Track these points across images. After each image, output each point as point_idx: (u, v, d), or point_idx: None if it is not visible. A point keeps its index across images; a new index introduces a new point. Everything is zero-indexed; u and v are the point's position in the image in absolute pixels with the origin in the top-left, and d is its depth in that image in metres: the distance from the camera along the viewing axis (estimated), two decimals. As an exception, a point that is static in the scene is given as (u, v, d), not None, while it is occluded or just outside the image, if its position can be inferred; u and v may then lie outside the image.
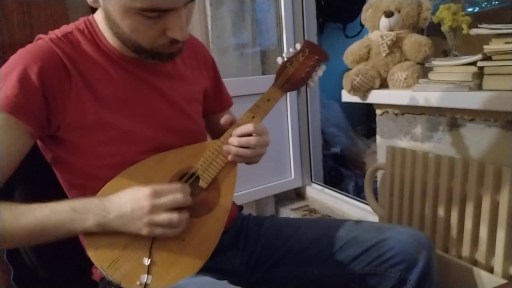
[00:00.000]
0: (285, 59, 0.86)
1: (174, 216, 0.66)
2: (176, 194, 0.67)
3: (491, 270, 1.02)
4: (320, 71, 0.88)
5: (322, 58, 0.87)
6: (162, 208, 0.66)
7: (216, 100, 0.97)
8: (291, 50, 0.87)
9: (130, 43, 0.71)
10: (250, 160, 0.80)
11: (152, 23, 0.66)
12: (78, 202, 0.67)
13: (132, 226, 0.66)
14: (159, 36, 0.69)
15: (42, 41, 0.73)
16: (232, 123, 0.81)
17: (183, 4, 0.66)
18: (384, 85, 1.31)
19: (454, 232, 1.10)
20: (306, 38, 2.00)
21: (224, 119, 0.81)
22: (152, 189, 0.66)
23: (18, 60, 0.69)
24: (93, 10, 0.75)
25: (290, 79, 0.85)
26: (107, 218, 0.66)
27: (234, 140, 0.78)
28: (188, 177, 0.76)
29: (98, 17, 0.76)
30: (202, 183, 0.76)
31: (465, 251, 1.07)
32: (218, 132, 0.91)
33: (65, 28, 0.76)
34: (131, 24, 0.67)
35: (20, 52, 0.71)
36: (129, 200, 0.66)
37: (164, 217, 0.66)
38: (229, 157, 0.78)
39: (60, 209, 0.66)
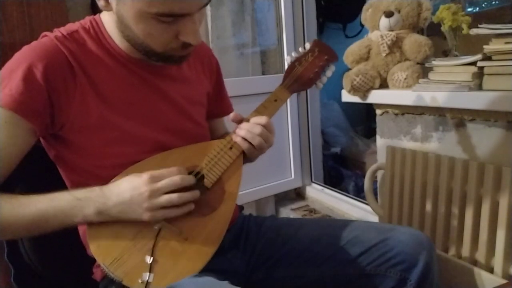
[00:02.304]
0: (294, 58, 0.84)
1: (173, 196, 0.66)
2: (173, 176, 0.68)
3: (491, 270, 1.02)
4: (329, 72, 0.86)
5: (332, 58, 0.85)
6: (161, 191, 0.66)
7: (216, 103, 0.96)
8: (300, 49, 0.85)
9: (142, 47, 0.71)
10: (252, 151, 0.79)
11: (166, 27, 0.66)
12: (79, 191, 0.68)
13: (132, 212, 0.67)
14: (172, 40, 0.69)
15: (47, 38, 0.72)
16: (241, 121, 0.80)
17: (198, 8, 0.66)
18: (384, 85, 1.31)
19: (454, 232, 1.10)
20: (306, 38, 1.99)
21: (233, 115, 0.80)
22: (150, 175, 0.67)
23: (23, 57, 0.69)
24: (94, 10, 0.75)
25: (298, 79, 0.84)
26: (107, 205, 0.66)
27: (241, 125, 0.79)
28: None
29: (105, 18, 0.75)
30: (207, 183, 0.76)
31: (465, 251, 1.07)
32: (214, 137, 0.92)
33: (70, 27, 0.76)
34: (145, 28, 0.67)
35: (25, 49, 0.71)
36: (128, 187, 0.67)
37: (163, 199, 0.66)
38: (234, 137, 0.78)
39: (60, 197, 0.67)
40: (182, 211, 0.69)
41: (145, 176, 0.67)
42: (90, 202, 0.66)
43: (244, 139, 0.78)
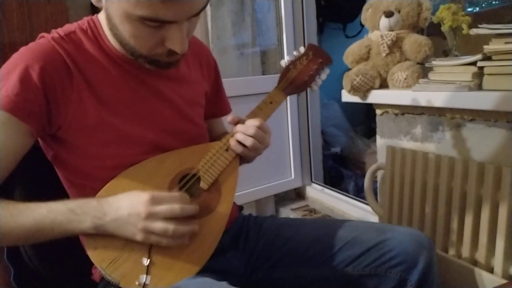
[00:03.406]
0: (289, 61, 0.86)
1: (169, 226, 0.64)
2: (174, 203, 0.66)
3: (491, 270, 1.02)
4: (323, 75, 0.87)
5: (326, 61, 0.87)
6: (158, 216, 0.64)
7: (214, 103, 0.96)
8: (294, 53, 0.86)
9: (128, 47, 0.70)
10: (247, 153, 0.80)
11: (152, 31, 0.65)
12: (75, 203, 0.67)
13: (127, 230, 0.66)
14: (157, 45, 0.68)
15: (45, 39, 0.72)
16: (238, 123, 0.80)
17: (185, 18, 0.65)
18: (384, 85, 1.31)
19: (454, 232, 1.10)
20: (306, 38, 2.00)
21: (231, 118, 0.81)
22: (151, 196, 0.65)
23: (20, 58, 0.69)
24: (94, 10, 0.75)
25: (293, 82, 0.85)
26: (104, 221, 0.66)
27: (236, 127, 0.79)
28: (189, 178, 0.76)
29: (102, 18, 0.75)
30: (203, 184, 0.76)
31: (465, 251, 1.07)
32: (212, 137, 0.92)
33: (68, 27, 0.76)
34: (131, 29, 0.66)
35: (22, 50, 0.70)
36: (127, 204, 0.66)
37: (159, 225, 0.64)
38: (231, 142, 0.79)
39: (57, 210, 0.66)
40: (174, 243, 0.67)
41: (146, 196, 0.65)
42: (87, 217, 0.65)
43: (238, 141, 0.78)
